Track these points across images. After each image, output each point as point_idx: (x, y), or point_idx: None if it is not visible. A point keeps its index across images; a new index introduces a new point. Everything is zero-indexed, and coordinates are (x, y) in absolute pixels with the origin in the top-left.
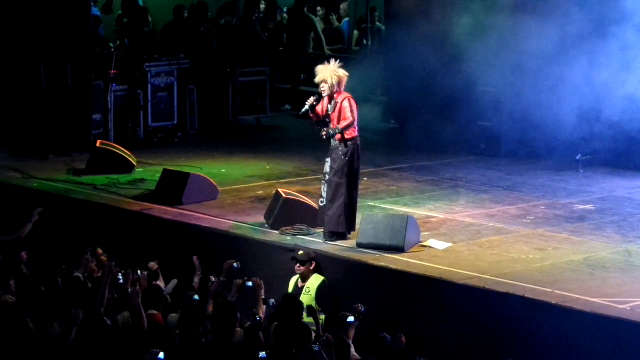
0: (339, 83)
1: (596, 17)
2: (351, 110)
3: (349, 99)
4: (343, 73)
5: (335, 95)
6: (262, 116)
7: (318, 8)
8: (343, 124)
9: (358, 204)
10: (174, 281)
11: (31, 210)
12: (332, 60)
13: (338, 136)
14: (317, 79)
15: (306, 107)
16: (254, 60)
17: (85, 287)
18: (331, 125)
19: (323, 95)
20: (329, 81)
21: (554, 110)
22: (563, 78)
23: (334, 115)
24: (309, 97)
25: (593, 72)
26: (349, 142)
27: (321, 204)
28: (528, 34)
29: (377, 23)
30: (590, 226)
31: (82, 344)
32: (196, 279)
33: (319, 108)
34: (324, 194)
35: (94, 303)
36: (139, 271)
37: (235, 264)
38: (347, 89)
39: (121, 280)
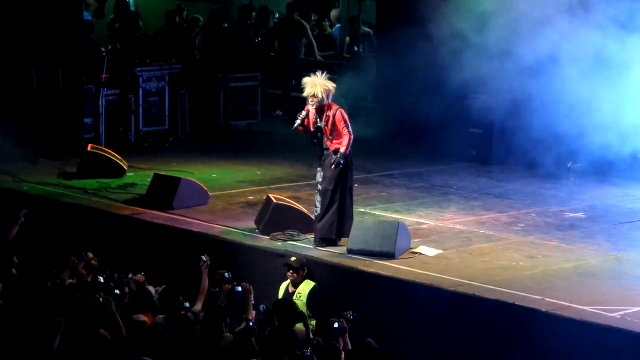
0: (327, 96)
1: (589, 24)
2: (346, 124)
3: (341, 112)
4: (331, 85)
5: (325, 108)
6: (253, 122)
7: (312, 15)
8: (344, 143)
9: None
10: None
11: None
12: (319, 73)
13: (332, 147)
14: (305, 93)
15: (298, 122)
16: (246, 65)
17: (73, 294)
18: (329, 147)
19: (310, 108)
20: (319, 95)
21: (545, 118)
22: (554, 86)
23: (327, 129)
24: (300, 105)
25: (583, 80)
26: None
27: (316, 214)
28: (520, 41)
29: (365, 28)
30: (580, 234)
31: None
32: None
33: (306, 121)
34: (317, 204)
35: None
36: (130, 275)
37: (226, 274)
38: (338, 95)
39: (102, 281)
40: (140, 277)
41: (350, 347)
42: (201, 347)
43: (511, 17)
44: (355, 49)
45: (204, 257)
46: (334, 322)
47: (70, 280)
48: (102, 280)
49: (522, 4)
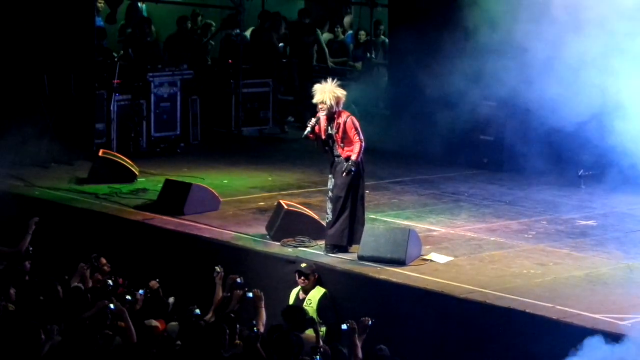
0: (337, 103)
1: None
2: (357, 131)
3: (351, 119)
4: (341, 93)
5: (336, 116)
6: (264, 128)
7: (324, 21)
8: (356, 150)
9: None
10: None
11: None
12: (329, 80)
13: (344, 154)
14: (315, 100)
15: (308, 129)
16: (267, 71)
17: (85, 298)
18: (340, 154)
19: (321, 115)
20: (328, 102)
21: (557, 126)
22: (567, 93)
23: (338, 137)
24: (311, 112)
25: (596, 86)
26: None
27: (327, 221)
28: (532, 48)
29: (382, 36)
30: (591, 242)
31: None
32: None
33: (317, 128)
34: (329, 211)
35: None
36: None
37: (238, 279)
38: (350, 101)
39: (111, 285)
40: (154, 283)
41: (360, 352)
42: (209, 354)
43: (523, 23)
44: (368, 55)
45: (217, 268)
46: (343, 324)
47: (81, 285)
48: (111, 284)
49: (535, 9)
